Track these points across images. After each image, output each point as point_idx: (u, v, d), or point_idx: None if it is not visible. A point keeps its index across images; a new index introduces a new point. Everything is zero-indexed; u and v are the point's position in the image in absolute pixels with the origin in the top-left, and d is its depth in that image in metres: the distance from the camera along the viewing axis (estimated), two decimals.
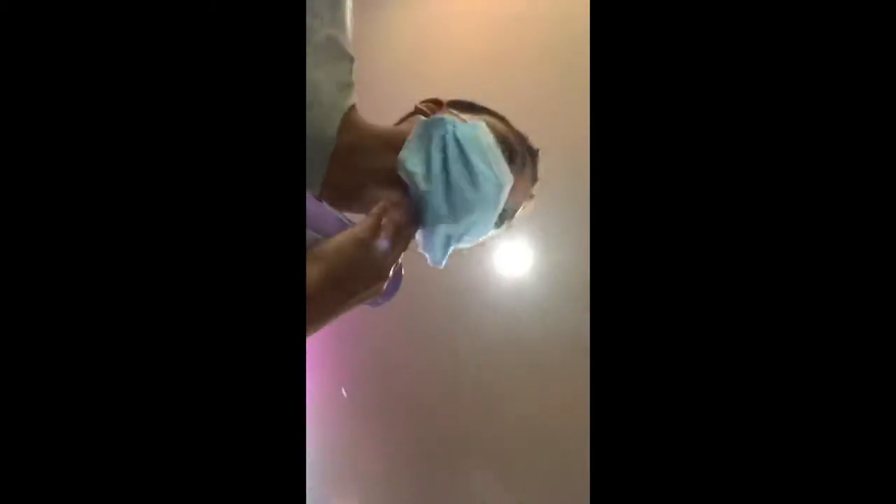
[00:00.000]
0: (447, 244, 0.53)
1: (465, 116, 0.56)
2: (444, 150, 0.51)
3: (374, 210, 0.46)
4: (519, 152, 0.56)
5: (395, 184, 0.51)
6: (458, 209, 0.50)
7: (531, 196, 0.62)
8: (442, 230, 0.52)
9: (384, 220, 0.46)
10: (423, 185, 0.49)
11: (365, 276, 0.44)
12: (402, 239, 0.47)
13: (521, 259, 1.44)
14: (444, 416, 1.56)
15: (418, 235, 0.53)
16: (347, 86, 0.52)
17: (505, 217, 0.57)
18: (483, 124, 0.54)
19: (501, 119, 0.59)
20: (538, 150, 0.62)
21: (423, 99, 0.59)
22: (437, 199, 0.49)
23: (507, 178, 0.52)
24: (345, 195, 0.53)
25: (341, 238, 0.44)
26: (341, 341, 1.66)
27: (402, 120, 0.61)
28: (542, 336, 1.35)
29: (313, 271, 0.42)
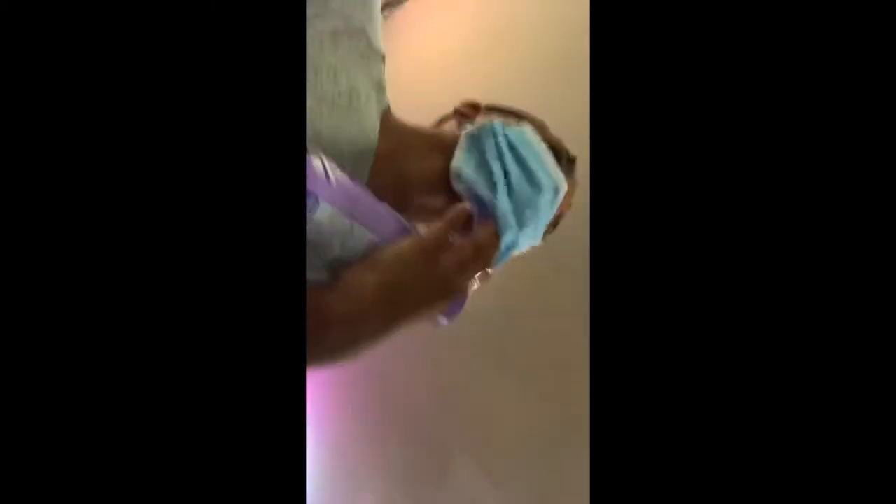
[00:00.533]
0: (507, 254, 0.51)
1: (507, 121, 0.54)
2: (500, 156, 0.49)
3: (449, 216, 0.39)
4: (563, 157, 0.55)
5: (444, 189, 0.49)
6: (524, 215, 0.48)
7: (569, 204, 0.59)
8: (506, 240, 0.49)
9: (463, 239, 0.39)
10: (486, 194, 0.47)
11: (427, 293, 0.37)
12: (482, 259, 0.39)
13: (520, 259, 1.43)
14: (437, 419, 1.56)
15: None
16: (382, 85, 0.50)
17: (554, 226, 0.56)
18: (530, 127, 0.53)
19: (540, 124, 0.57)
20: (575, 158, 0.60)
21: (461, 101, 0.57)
22: (503, 207, 0.47)
23: (563, 181, 0.51)
24: (388, 203, 0.50)
25: (404, 246, 0.38)
26: None
27: (441, 122, 0.58)
28: (541, 335, 1.34)
29: (369, 281, 0.36)
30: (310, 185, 0.34)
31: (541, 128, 0.56)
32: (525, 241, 0.51)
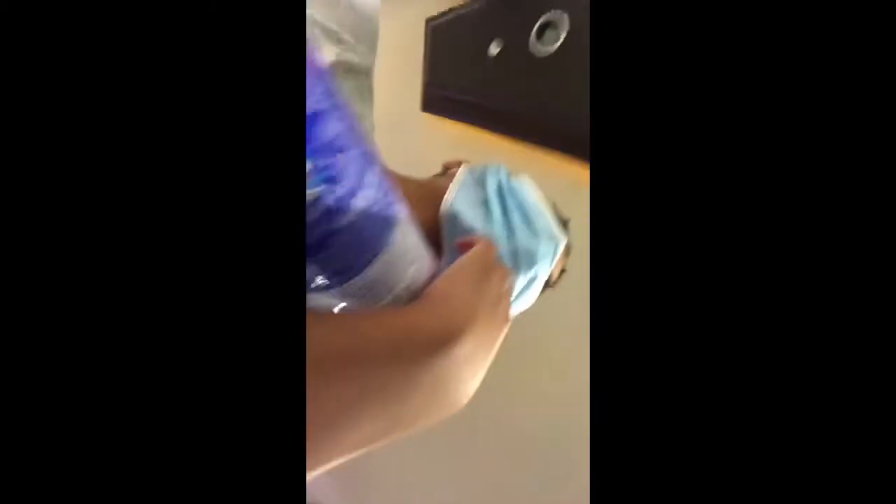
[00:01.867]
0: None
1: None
2: (500, 196, 0.46)
3: (479, 247, 0.33)
4: (560, 218, 0.52)
5: (432, 240, 0.43)
6: (521, 259, 0.43)
7: (563, 270, 0.55)
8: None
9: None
10: (480, 229, 0.42)
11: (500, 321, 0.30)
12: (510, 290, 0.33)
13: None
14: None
15: None
16: (373, 129, 0.47)
17: (548, 285, 0.51)
18: (529, 180, 0.51)
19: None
20: (568, 220, 0.56)
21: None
22: (500, 245, 0.42)
23: (562, 237, 0.47)
24: None
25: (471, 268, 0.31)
26: None
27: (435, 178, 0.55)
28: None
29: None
30: (392, 196, 0.25)
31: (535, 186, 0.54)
32: (522, 296, 0.46)
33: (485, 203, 0.44)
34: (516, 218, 0.45)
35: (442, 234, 0.41)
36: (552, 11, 0.90)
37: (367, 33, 0.43)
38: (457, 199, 0.44)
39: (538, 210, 0.47)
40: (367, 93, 0.45)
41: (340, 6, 0.40)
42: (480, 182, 0.46)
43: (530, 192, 0.48)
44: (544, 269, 0.45)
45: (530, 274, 0.43)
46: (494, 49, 0.99)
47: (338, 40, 0.41)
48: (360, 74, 0.43)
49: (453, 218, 0.42)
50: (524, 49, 0.93)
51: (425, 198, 0.44)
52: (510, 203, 0.45)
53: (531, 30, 0.91)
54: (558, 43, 0.87)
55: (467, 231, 0.41)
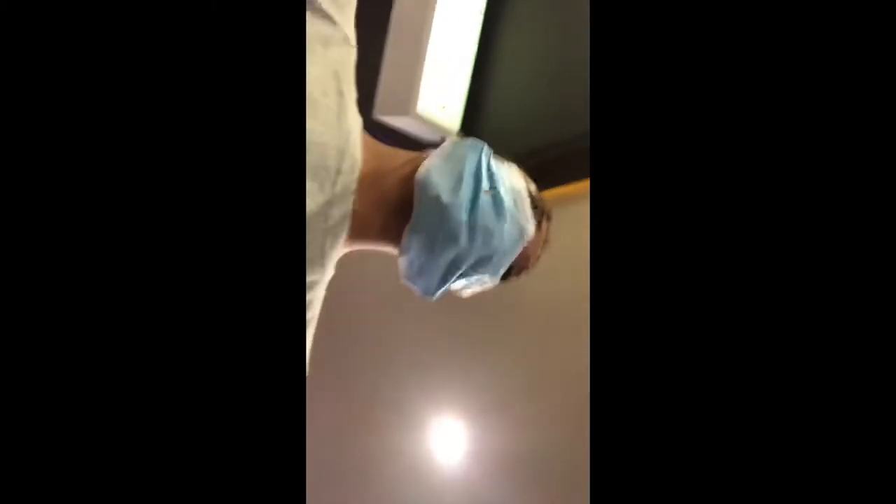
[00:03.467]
0: (448, 274, 0.48)
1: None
2: (476, 174, 0.47)
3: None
4: (539, 209, 0.53)
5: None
6: (476, 236, 0.46)
7: (537, 257, 0.58)
8: (449, 255, 0.47)
9: None
10: (445, 197, 0.45)
11: None
12: None
13: None
14: None
15: (413, 256, 0.48)
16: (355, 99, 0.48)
17: (510, 272, 0.53)
18: (515, 168, 0.53)
19: (523, 172, 0.57)
20: (551, 216, 0.59)
21: None
22: (457, 215, 0.45)
23: (530, 227, 0.50)
24: (373, 229, 0.48)
25: None
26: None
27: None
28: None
29: None
30: None
31: (523, 175, 0.55)
32: (477, 272, 0.49)
33: (459, 176, 0.47)
34: (485, 196, 0.47)
35: (415, 197, 0.46)
36: None
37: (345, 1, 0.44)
38: (432, 168, 0.47)
39: (513, 194, 0.49)
40: (349, 65, 0.46)
41: None
42: (461, 157, 0.48)
43: (509, 178, 0.50)
44: (505, 251, 0.48)
45: (485, 251, 0.47)
46: None
47: (309, 4, 0.41)
48: (341, 45, 0.44)
49: (424, 184, 0.46)
50: None
51: (409, 164, 0.48)
52: (483, 181, 0.47)
53: None
54: None
55: (433, 198, 0.45)
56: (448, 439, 1.27)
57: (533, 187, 0.54)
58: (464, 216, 0.46)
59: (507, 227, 0.48)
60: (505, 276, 0.53)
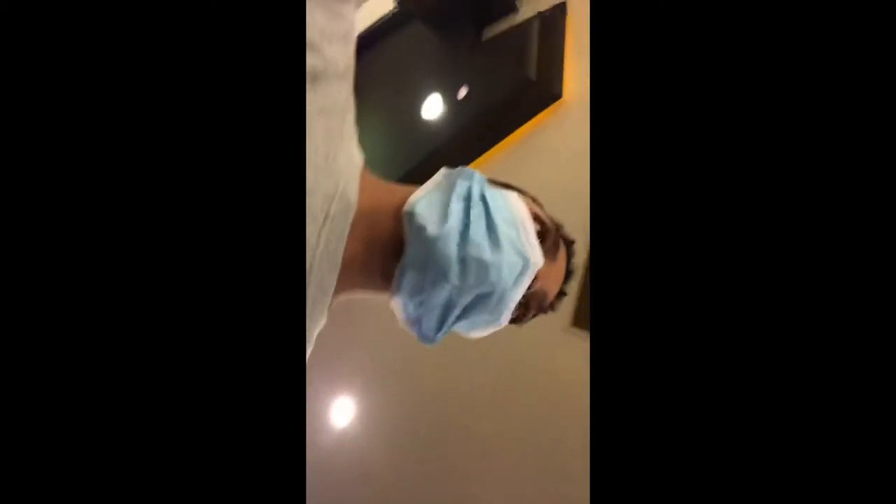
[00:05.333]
0: (445, 316, 0.43)
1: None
2: (466, 200, 0.43)
3: None
4: (551, 235, 0.48)
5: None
6: (469, 271, 0.40)
7: (563, 293, 0.52)
8: (442, 295, 0.41)
9: None
10: (431, 230, 0.40)
11: None
12: None
13: None
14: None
15: (406, 298, 0.43)
16: (355, 136, 0.45)
17: (527, 309, 0.47)
18: (516, 194, 0.48)
19: (534, 200, 0.52)
20: (574, 241, 0.53)
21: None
22: (446, 250, 0.40)
23: (536, 257, 0.43)
24: (366, 270, 0.43)
25: None
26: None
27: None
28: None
29: None
30: None
31: (534, 202, 0.51)
32: (478, 313, 0.44)
33: (446, 206, 0.42)
34: (477, 227, 0.42)
35: (404, 231, 0.42)
36: None
37: (339, 31, 0.40)
38: (420, 199, 0.43)
39: (511, 224, 0.44)
40: (341, 102, 0.42)
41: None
42: (449, 185, 0.44)
43: (507, 205, 0.45)
44: (508, 287, 0.43)
45: (484, 287, 0.41)
46: None
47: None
48: (332, 81, 0.39)
49: (410, 216, 0.42)
50: None
51: (400, 196, 0.44)
52: (475, 211, 0.42)
53: None
54: None
55: (418, 231, 0.41)
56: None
57: (542, 213, 0.49)
58: (452, 249, 0.40)
59: (507, 259, 0.42)
60: (519, 318, 0.48)
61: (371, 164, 0.46)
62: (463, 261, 0.40)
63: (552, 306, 0.52)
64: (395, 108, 1.86)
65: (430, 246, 0.40)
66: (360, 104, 0.44)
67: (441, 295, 0.41)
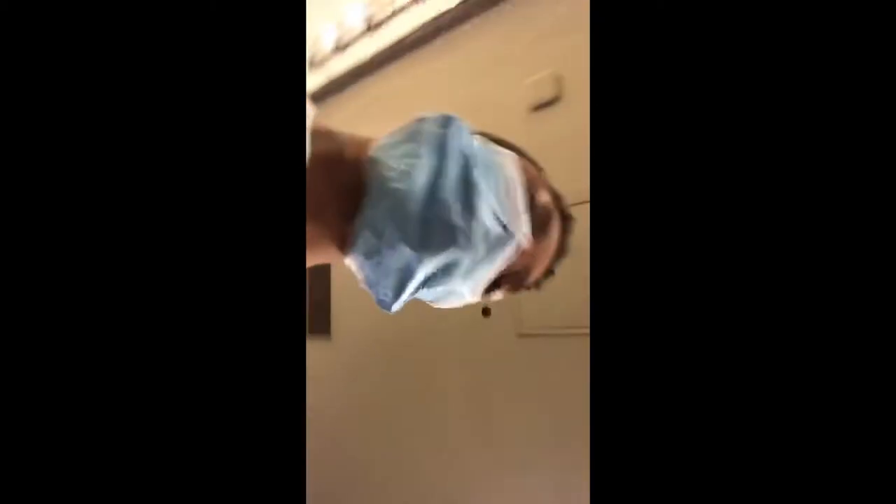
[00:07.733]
0: (403, 282, 0.36)
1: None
2: (441, 153, 0.37)
3: None
4: (546, 209, 0.42)
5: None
6: (432, 234, 0.34)
7: (551, 272, 0.46)
8: (399, 259, 0.35)
9: None
10: (395, 182, 0.35)
11: None
12: None
13: None
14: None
15: (362, 257, 0.36)
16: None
17: (499, 286, 0.42)
18: (514, 156, 0.42)
19: (535, 165, 0.45)
20: (574, 219, 0.46)
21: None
22: (408, 207, 0.34)
23: (520, 230, 0.38)
24: (317, 225, 0.37)
25: None
26: None
27: None
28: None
29: None
30: None
31: (533, 167, 0.44)
32: (443, 283, 0.37)
33: (416, 156, 0.36)
34: (450, 184, 0.36)
35: (365, 181, 0.37)
36: None
37: None
38: (386, 145, 0.38)
39: (495, 187, 0.38)
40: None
41: None
42: (421, 132, 0.38)
43: (494, 165, 0.39)
44: (480, 258, 0.37)
45: (449, 255, 0.35)
46: None
47: None
48: None
49: (373, 163, 0.37)
50: None
51: (368, 144, 0.39)
52: (450, 166, 0.36)
53: None
54: None
55: (382, 182, 0.35)
56: None
57: (541, 183, 0.43)
58: (415, 207, 0.35)
59: (482, 226, 0.36)
60: (491, 289, 0.42)
61: None
62: (426, 221, 0.35)
63: (536, 285, 0.45)
64: None
65: (391, 200, 0.34)
66: None
67: (398, 259, 0.35)
